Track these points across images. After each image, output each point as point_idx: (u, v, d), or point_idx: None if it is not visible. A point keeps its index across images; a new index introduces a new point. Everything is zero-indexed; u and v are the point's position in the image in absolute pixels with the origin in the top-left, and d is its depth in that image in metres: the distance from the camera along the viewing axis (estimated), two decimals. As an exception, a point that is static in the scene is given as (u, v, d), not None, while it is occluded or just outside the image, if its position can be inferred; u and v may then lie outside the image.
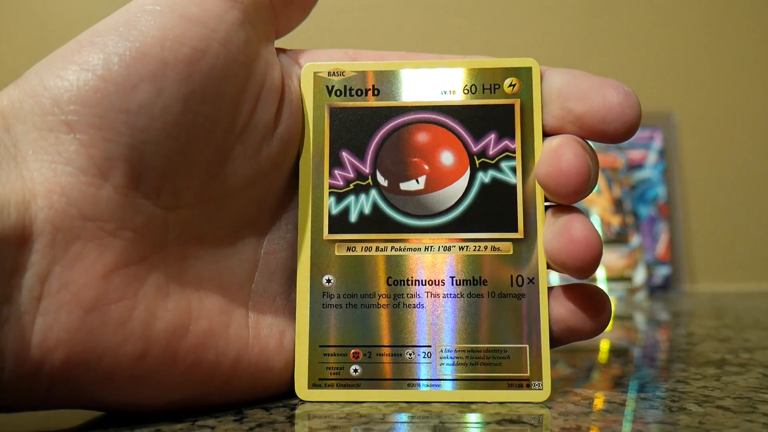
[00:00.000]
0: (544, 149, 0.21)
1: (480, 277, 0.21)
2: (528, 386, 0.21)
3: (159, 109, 0.18)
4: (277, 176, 0.22)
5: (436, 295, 0.21)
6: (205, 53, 0.19)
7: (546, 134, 0.22)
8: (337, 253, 0.22)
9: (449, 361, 0.21)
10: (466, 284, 0.21)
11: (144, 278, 0.18)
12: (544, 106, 0.22)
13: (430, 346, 0.21)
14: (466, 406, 0.20)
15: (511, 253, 0.22)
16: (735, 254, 0.81)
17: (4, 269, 0.16)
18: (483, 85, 0.22)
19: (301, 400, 0.21)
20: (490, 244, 0.22)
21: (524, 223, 0.22)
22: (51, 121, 0.17)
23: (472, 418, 0.19)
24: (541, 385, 0.21)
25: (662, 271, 0.77)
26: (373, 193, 0.22)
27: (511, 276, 0.21)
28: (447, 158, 0.22)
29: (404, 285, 0.21)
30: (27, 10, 0.79)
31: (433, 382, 0.21)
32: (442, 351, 0.21)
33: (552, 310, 0.21)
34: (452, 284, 0.21)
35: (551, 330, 0.22)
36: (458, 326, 0.21)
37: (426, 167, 0.22)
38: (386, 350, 0.21)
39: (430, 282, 0.21)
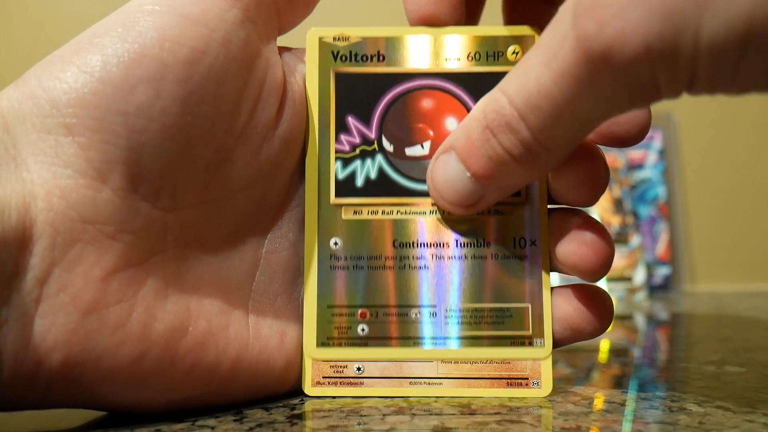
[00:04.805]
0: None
1: (483, 240, 0.22)
2: (530, 343, 0.21)
3: (157, 111, 0.18)
4: (278, 176, 0.22)
5: (441, 257, 0.22)
6: (205, 54, 0.19)
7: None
8: (343, 217, 0.22)
9: (454, 320, 0.22)
10: (470, 246, 0.22)
11: (143, 281, 0.18)
12: None
13: (435, 306, 0.22)
14: (467, 406, 0.20)
15: (513, 216, 0.22)
16: (735, 254, 0.81)
17: (5, 271, 0.16)
18: (487, 52, 0.22)
19: (303, 398, 0.21)
20: (493, 208, 0.22)
21: (526, 187, 0.22)
22: (50, 123, 0.17)
23: (473, 417, 0.19)
24: (543, 342, 0.21)
25: (662, 271, 0.77)
26: (379, 158, 0.22)
27: (514, 238, 0.22)
28: (451, 124, 0.22)
29: (410, 247, 0.22)
30: (27, 10, 0.79)
31: (438, 341, 0.22)
32: (447, 311, 0.22)
33: (557, 309, 0.22)
34: (456, 246, 0.22)
35: (554, 330, 0.22)
36: (462, 287, 0.22)
37: (431, 133, 0.22)
38: (392, 310, 0.22)
39: (435, 244, 0.22)
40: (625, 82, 0.16)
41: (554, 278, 0.59)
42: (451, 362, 0.22)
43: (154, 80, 0.18)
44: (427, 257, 0.22)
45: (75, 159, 0.17)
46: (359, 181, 0.22)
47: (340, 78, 0.22)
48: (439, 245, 0.22)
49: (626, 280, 0.69)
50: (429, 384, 0.22)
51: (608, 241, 0.21)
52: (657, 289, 0.76)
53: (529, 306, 0.22)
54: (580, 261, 0.21)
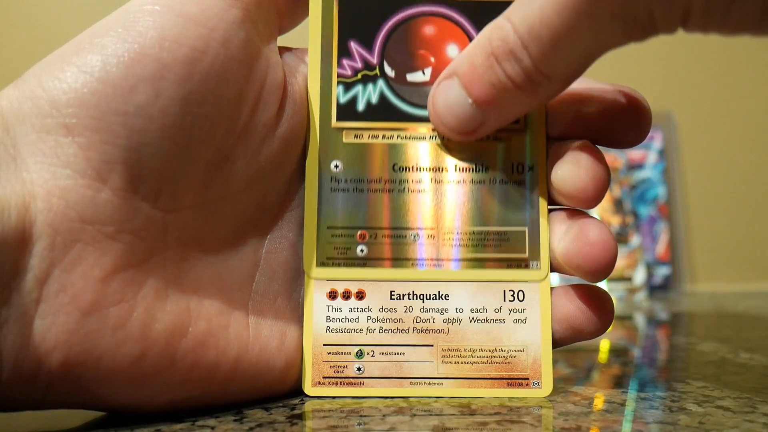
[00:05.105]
0: (558, 154, 0.22)
1: (482, 165, 0.22)
2: (527, 266, 0.22)
3: (157, 111, 0.18)
4: (278, 176, 0.22)
5: (440, 182, 0.22)
6: (205, 53, 0.19)
7: (554, 138, 0.22)
8: (344, 141, 0.22)
9: (452, 243, 0.22)
10: (469, 171, 0.22)
11: (143, 281, 0.18)
12: (551, 110, 0.22)
13: (433, 229, 0.22)
14: (467, 406, 0.20)
15: (512, 142, 0.22)
16: (735, 254, 0.81)
17: (4, 271, 0.16)
18: None
19: (303, 398, 0.21)
20: (492, 134, 0.22)
21: (525, 115, 0.22)
22: (49, 124, 0.17)
23: (473, 418, 0.19)
24: (539, 264, 0.22)
25: (662, 271, 0.77)
26: (381, 83, 0.22)
27: (513, 164, 0.22)
28: (453, 51, 0.22)
29: (409, 171, 0.22)
30: (27, 10, 0.79)
31: (436, 262, 0.22)
32: (445, 233, 0.22)
33: (558, 308, 0.22)
34: (455, 171, 0.22)
35: (555, 330, 0.22)
36: (461, 211, 0.22)
37: (432, 59, 0.22)
38: (391, 232, 0.22)
39: (434, 169, 0.22)
40: (623, 15, 0.17)
41: (554, 278, 0.59)
42: (451, 362, 0.22)
43: (154, 80, 0.18)
44: (426, 181, 0.22)
45: (74, 159, 0.17)
46: (360, 106, 0.22)
47: (343, 2, 0.23)
48: (438, 170, 0.22)
49: (626, 280, 0.69)
50: (429, 384, 0.22)
51: (612, 241, 0.21)
52: (657, 289, 0.76)
53: (527, 229, 0.22)
54: (584, 261, 0.21)
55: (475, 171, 0.22)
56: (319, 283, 0.22)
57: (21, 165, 0.17)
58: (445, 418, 0.19)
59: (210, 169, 0.20)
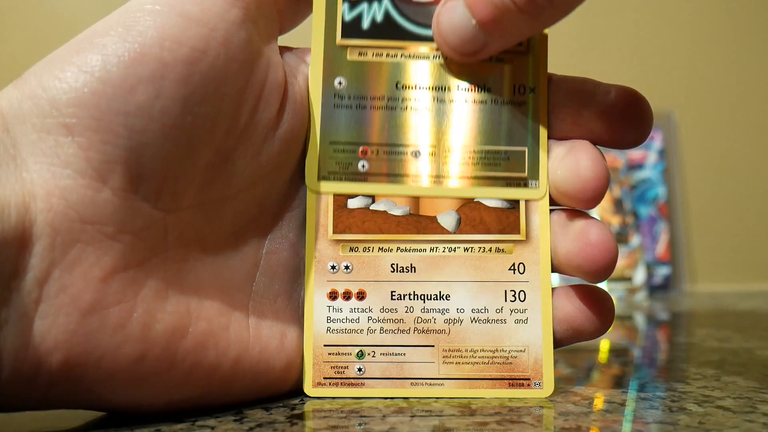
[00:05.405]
0: (558, 154, 0.22)
1: (484, 86, 0.22)
2: (525, 185, 0.22)
3: (158, 111, 0.18)
4: (278, 176, 0.22)
5: (442, 101, 0.22)
6: (205, 53, 0.19)
7: (555, 138, 0.22)
8: (348, 58, 0.22)
9: (452, 160, 0.22)
10: (471, 91, 0.22)
11: (143, 281, 0.18)
12: (552, 110, 0.22)
13: (435, 146, 0.22)
14: (467, 406, 0.20)
15: (514, 64, 0.23)
16: (735, 254, 0.81)
17: (4, 272, 0.16)
18: None
19: (303, 398, 0.21)
20: (495, 56, 0.22)
21: (528, 38, 0.23)
22: (49, 123, 0.17)
23: (473, 418, 0.19)
24: (537, 184, 0.22)
25: (662, 271, 0.77)
26: (386, 1, 0.22)
27: (514, 85, 0.22)
28: None
29: (412, 89, 0.22)
30: (27, 10, 0.79)
31: (436, 179, 0.22)
32: (446, 151, 0.22)
33: (559, 308, 0.22)
34: (458, 90, 0.22)
35: (556, 331, 0.22)
36: (462, 129, 0.22)
37: None
38: (393, 148, 0.22)
39: (436, 88, 0.22)
40: None
41: (555, 279, 0.59)
42: (452, 363, 0.22)
43: (155, 80, 0.18)
44: (428, 100, 0.22)
45: (74, 159, 0.17)
46: (365, 24, 0.22)
47: None
48: (440, 89, 0.22)
49: (626, 280, 0.69)
50: (430, 385, 0.22)
51: (612, 241, 0.21)
52: (657, 289, 0.76)
53: (527, 149, 0.22)
54: (585, 261, 0.21)
55: (477, 91, 0.22)
56: (319, 282, 0.22)
57: (21, 165, 0.17)
58: (445, 419, 0.19)
59: (210, 169, 0.20)
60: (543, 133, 0.22)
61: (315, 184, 0.22)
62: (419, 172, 0.22)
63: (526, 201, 0.22)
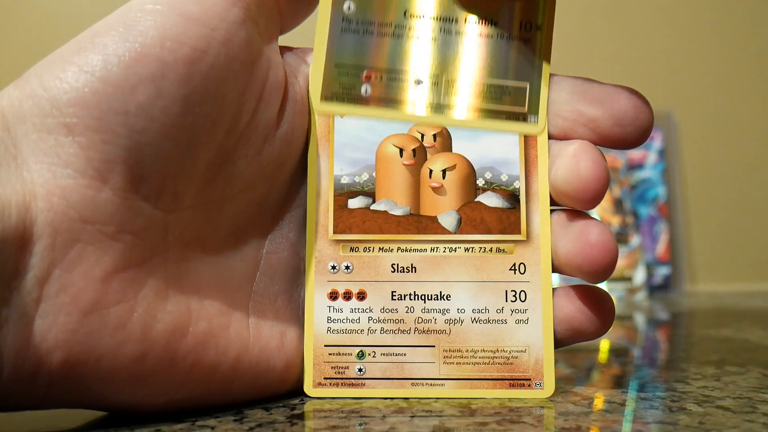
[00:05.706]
0: (558, 154, 0.22)
1: (492, 20, 0.23)
2: (524, 119, 0.22)
3: (158, 111, 0.18)
4: (279, 176, 0.22)
5: (448, 32, 0.23)
6: (206, 53, 0.19)
7: (555, 138, 0.22)
8: None
9: (455, 90, 0.22)
10: (478, 24, 0.23)
11: (143, 281, 0.18)
12: (552, 111, 0.22)
13: (437, 76, 0.22)
14: (467, 406, 0.20)
15: (522, 0, 0.23)
16: (735, 254, 0.81)
17: (5, 271, 0.16)
18: None
19: (303, 398, 0.21)
20: None
21: None
22: (50, 123, 0.17)
23: (473, 418, 0.19)
24: (536, 119, 0.22)
25: (662, 271, 0.77)
26: None
27: (521, 22, 0.23)
28: None
29: (420, 18, 0.23)
30: (27, 10, 0.79)
31: (438, 107, 0.22)
32: (448, 81, 0.22)
33: (559, 309, 0.22)
34: (465, 22, 0.23)
35: (556, 331, 0.22)
36: (466, 61, 0.22)
37: None
38: (396, 75, 0.22)
39: (443, 19, 0.23)
40: None
41: (555, 279, 0.59)
42: (452, 363, 0.22)
43: (155, 80, 0.18)
44: (434, 30, 0.23)
45: (75, 159, 0.17)
46: None
47: None
48: (447, 20, 0.23)
49: (626, 280, 0.69)
50: (431, 385, 0.22)
51: (612, 242, 0.21)
52: (657, 289, 0.76)
53: (528, 85, 0.22)
54: (585, 262, 0.21)
55: (484, 24, 0.23)
56: (320, 282, 0.22)
57: (22, 164, 0.17)
58: (445, 419, 0.19)
59: (211, 169, 0.20)
60: (546, 69, 0.22)
61: (318, 105, 0.22)
62: (421, 100, 0.22)
63: (527, 197, 0.22)
